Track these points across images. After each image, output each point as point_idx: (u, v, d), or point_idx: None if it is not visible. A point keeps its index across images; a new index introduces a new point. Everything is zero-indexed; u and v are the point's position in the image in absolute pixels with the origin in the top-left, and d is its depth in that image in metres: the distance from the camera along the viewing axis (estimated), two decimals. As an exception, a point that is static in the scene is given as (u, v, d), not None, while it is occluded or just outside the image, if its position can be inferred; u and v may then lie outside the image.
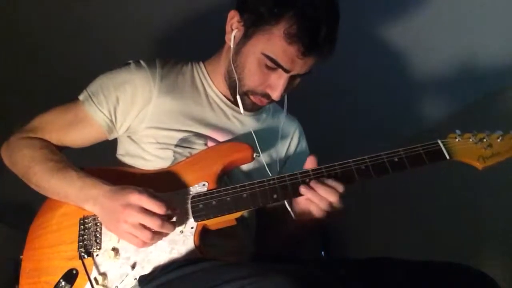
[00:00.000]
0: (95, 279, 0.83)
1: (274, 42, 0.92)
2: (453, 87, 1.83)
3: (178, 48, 1.42)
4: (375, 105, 1.91)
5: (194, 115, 1.03)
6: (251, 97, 1.01)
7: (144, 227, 0.82)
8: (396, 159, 0.86)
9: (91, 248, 0.87)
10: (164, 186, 0.92)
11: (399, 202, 2.21)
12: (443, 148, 0.86)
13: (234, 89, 1.01)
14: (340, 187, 0.86)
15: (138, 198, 0.82)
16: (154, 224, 0.81)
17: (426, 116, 2.03)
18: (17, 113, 1.33)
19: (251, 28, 0.95)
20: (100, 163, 1.01)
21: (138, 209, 0.81)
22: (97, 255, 0.87)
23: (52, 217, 0.94)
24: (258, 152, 0.95)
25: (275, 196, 0.87)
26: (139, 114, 1.00)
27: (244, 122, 1.08)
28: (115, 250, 0.86)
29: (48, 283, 0.86)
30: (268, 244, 1.07)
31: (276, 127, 1.14)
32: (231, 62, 0.99)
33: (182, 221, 0.87)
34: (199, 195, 0.89)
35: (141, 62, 1.03)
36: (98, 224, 0.90)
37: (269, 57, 0.93)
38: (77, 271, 0.86)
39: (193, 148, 0.99)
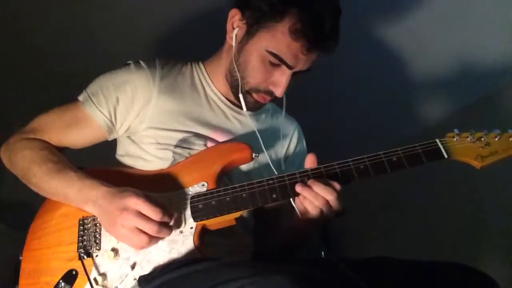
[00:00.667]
0: (95, 279, 0.83)
1: (278, 39, 0.93)
2: (453, 87, 1.83)
3: (178, 48, 1.42)
4: (374, 105, 1.91)
5: (194, 115, 1.03)
6: (254, 95, 1.01)
7: (141, 231, 0.81)
8: (395, 159, 0.87)
9: (91, 248, 0.87)
10: (163, 186, 0.92)
11: (398, 202, 2.21)
12: (441, 147, 0.87)
13: (236, 88, 1.01)
14: (337, 185, 0.86)
15: (135, 202, 0.81)
16: (150, 229, 0.81)
17: (425, 116, 2.03)
18: (17, 113, 1.33)
19: (254, 25, 0.95)
20: (100, 163, 1.00)
21: (134, 213, 0.81)
22: (96, 255, 0.87)
23: (51, 218, 0.94)
24: (257, 152, 0.95)
25: (274, 196, 0.87)
26: (139, 115, 1.00)
27: (243, 122, 1.08)
28: (115, 250, 0.86)
29: (48, 284, 0.86)
30: (267, 246, 1.07)
31: (275, 127, 1.14)
32: (233, 60, 1.00)
33: (181, 221, 0.87)
34: (198, 195, 0.89)
35: (141, 62, 1.03)
36: (97, 224, 0.90)
37: (273, 53, 0.94)
38: (76, 271, 0.86)
39: (193, 149, 0.99)
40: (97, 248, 0.87)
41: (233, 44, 1.00)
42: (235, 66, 0.99)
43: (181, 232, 0.86)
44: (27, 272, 0.89)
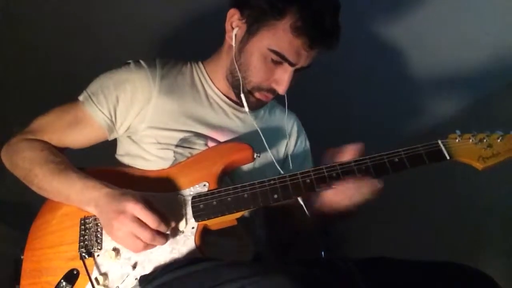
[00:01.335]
0: (96, 279, 0.83)
1: (280, 37, 0.93)
2: (453, 87, 1.83)
3: (178, 48, 1.42)
4: (376, 105, 1.91)
5: (195, 115, 1.03)
6: (257, 94, 1.01)
7: (136, 236, 0.81)
8: (397, 159, 0.86)
9: (92, 248, 0.87)
10: (164, 186, 0.92)
11: (399, 202, 2.21)
12: (443, 148, 0.86)
13: (237, 88, 1.01)
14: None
15: (133, 207, 0.81)
16: (144, 236, 0.81)
17: (426, 117, 2.03)
18: (17, 113, 1.33)
19: (255, 24, 0.96)
20: (100, 163, 1.00)
21: (131, 218, 0.80)
22: (98, 255, 0.87)
23: (52, 218, 0.94)
24: (258, 152, 0.95)
25: (275, 196, 0.87)
26: (139, 114, 1.00)
27: (244, 120, 1.08)
28: (116, 250, 0.86)
29: (49, 284, 0.86)
30: (280, 232, 1.07)
31: (274, 123, 1.15)
32: (234, 60, 1.00)
33: (182, 221, 0.87)
34: (199, 195, 0.89)
35: (141, 62, 1.03)
36: (98, 224, 0.90)
37: (275, 51, 0.94)
38: (78, 271, 0.86)
39: (194, 148, 0.99)
40: (99, 247, 0.87)
41: (233, 44, 1.00)
42: (236, 66, 1.00)
43: (183, 232, 0.86)
44: (28, 272, 0.89)
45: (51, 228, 0.93)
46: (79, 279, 0.85)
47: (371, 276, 0.85)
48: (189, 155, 0.98)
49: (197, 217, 0.87)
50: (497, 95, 1.82)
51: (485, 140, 0.87)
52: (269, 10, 0.93)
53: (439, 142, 0.88)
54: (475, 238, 1.82)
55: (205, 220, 0.87)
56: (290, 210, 1.05)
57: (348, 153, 0.90)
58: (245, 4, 0.98)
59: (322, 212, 0.92)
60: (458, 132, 0.89)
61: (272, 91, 1.01)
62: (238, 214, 0.87)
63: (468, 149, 0.87)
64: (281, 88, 0.99)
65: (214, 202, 0.87)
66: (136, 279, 0.82)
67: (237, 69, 0.99)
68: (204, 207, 0.87)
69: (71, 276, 0.85)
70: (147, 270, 0.83)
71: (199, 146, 1.00)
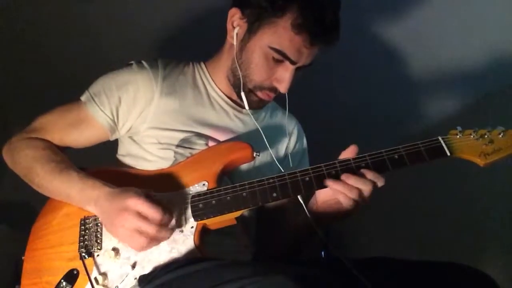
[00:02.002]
0: (96, 279, 0.83)
1: (281, 34, 0.94)
2: (453, 87, 1.84)
3: (179, 49, 1.42)
4: (376, 104, 1.92)
5: (196, 115, 1.03)
6: (258, 93, 1.01)
7: (140, 232, 0.81)
8: (396, 156, 0.86)
9: (92, 248, 0.87)
10: (164, 186, 0.92)
11: (399, 201, 2.21)
12: (443, 145, 0.85)
13: (238, 87, 1.01)
14: (370, 174, 0.85)
15: (135, 203, 0.81)
16: (149, 230, 0.81)
17: (426, 116, 2.04)
18: (17, 113, 1.33)
19: (255, 23, 0.96)
20: (101, 163, 1.01)
21: (134, 214, 0.80)
22: (97, 255, 0.87)
23: (53, 218, 0.94)
24: (258, 151, 0.95)
25: (274, 194, 0.87)
26: (141, 115, 1.00)
27: (245, 121, 1.08)
28: (116, 250, 0.86)
29: (49, 283, 0.86)
30: (269, 246, 1.07)
31: (276, 125, 1.15)
32: (235, 59, 1.00)
33: (182, 220, 0.87)
34: (199, 194, 0.89)
35: (143, 62, 1.03)
36: (98, 224, 0.90)
37: (276, 49, 0.94)
38: (77, 271, 0.86)
39: (194, 149, 0.99)
40: (98, 247, 0.87)
41: (234, 43, 1.00)
42: (237, 64, 1.00)
43: (182, 231, 0.86)
44: (29, 272, 0.90)
45: (52, 229, 0.93)
46: (79, 279, 0.85)
47: (370, 276, 0.85)
48: (189, 155, 0.98)
49: (196, 217, 0.87)
50: (497, 95, 1.82)
51: (486, 136, 0.85)
52: (269, 8, 0.93)
53: (440, 138, 0.86)
54: (475, 238, 1.82)
55: (204, 219, 0.87)
56: (282, 215, 1.05)
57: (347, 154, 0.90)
58: (245, 3, 0.98)
59: (320, 211, 0.92)
60: (459, 128, 0.88)
61: (274, 89, 1.01)
62: (237, 213, 0.87)
63: (469, 145, 0.85)
64: (283, 87, 0.99)
65: (213, 201, 0.87)
66: (135, 278, 0.82)
67: (238, 68, 1.00)
68: (203, 206, 0.87)
69: (71, 276, 0.86)
70: (146, 270, 0.83)
71: (200, 146, 1.00)
